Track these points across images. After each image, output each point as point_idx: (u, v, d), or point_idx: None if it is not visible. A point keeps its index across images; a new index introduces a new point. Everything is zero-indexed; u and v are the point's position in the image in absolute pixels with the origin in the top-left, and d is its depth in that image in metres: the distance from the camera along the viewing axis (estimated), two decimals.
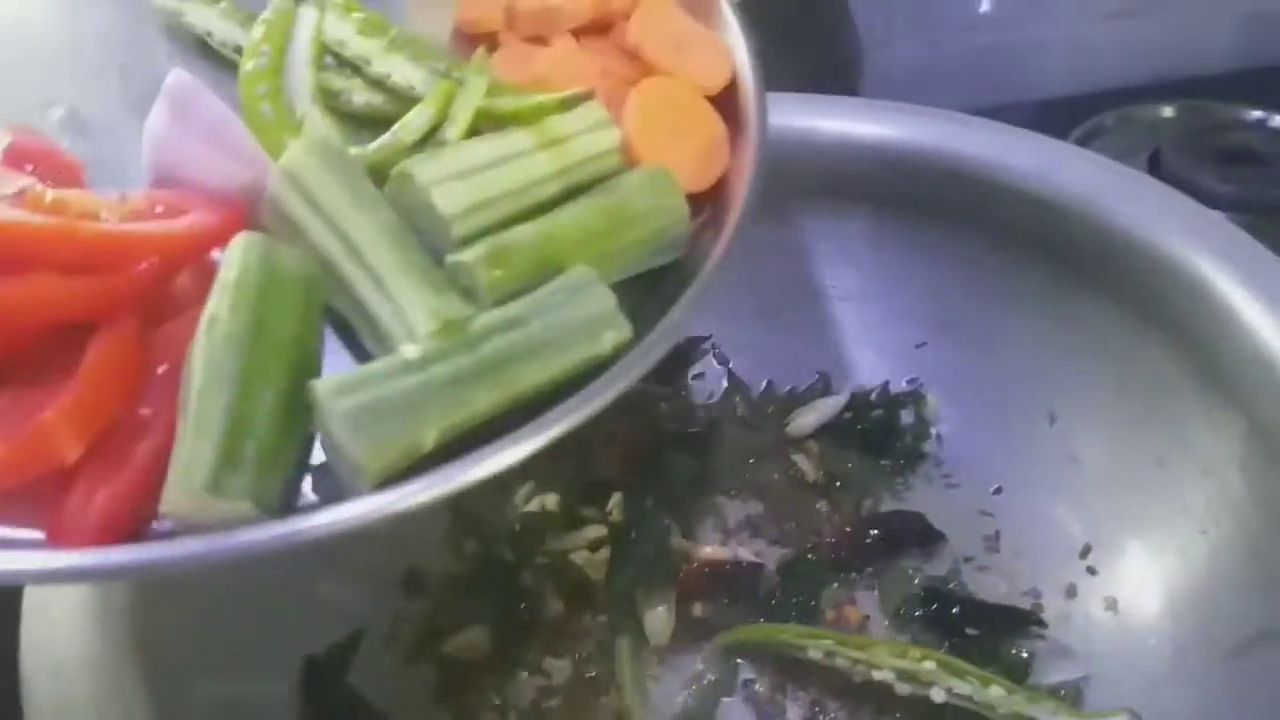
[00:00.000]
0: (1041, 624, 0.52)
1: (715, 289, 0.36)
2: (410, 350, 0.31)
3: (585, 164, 0.37)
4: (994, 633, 0.52)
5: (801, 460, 0.62)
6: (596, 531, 0.58)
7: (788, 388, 0.65)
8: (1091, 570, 0.54)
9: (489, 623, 0.54)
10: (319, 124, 0.38)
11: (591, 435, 0.61)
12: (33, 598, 0.43)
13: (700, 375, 0.66)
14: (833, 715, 0.51)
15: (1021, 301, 0.59)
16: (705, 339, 0.66)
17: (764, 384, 0.66)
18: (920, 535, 0.57)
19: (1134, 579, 0.53)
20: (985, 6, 1.01)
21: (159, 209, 0.34)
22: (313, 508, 0.31)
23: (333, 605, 0.55)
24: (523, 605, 0.55)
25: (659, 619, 0.54)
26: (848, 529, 0.57)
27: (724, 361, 0.66)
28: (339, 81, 0.41)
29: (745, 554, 0.56)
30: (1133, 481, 0.55)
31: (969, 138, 0.59)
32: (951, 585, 0.55)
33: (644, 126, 0.39)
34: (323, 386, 0.31)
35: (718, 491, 0.61)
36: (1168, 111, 0.95)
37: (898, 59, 0.91)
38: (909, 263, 0.63)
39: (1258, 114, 0.92)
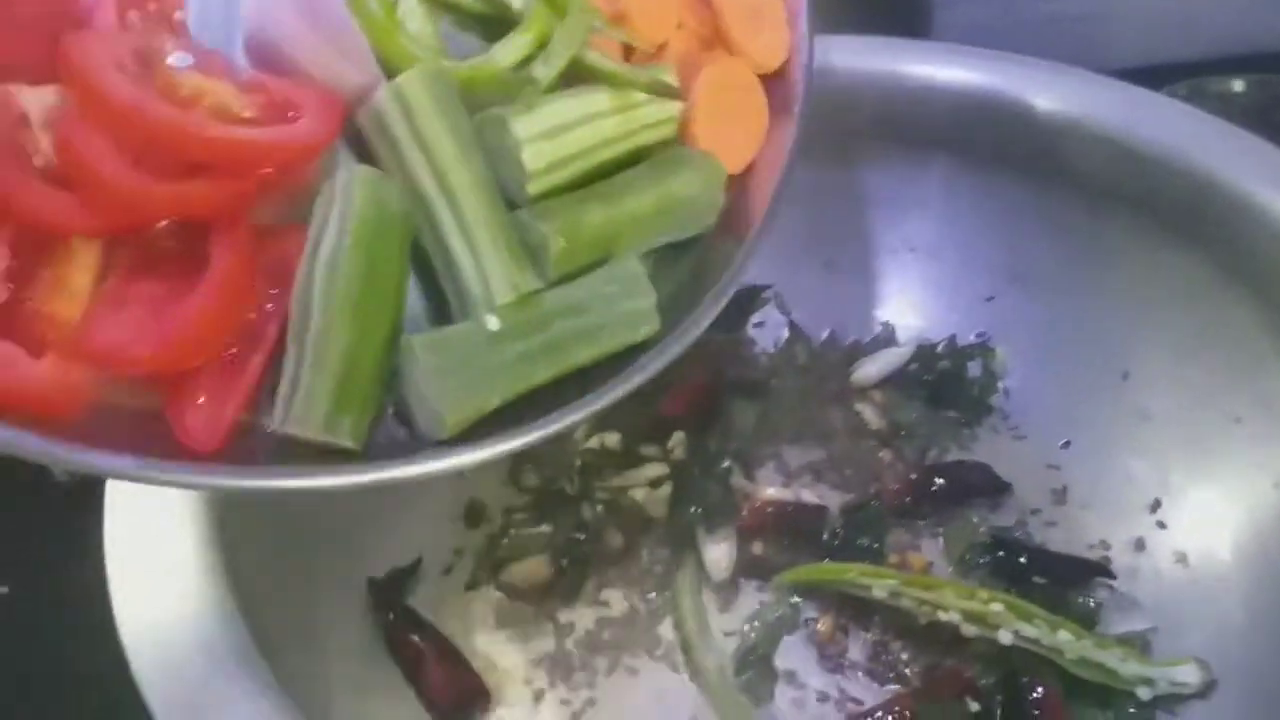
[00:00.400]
0: (1109, 574, 0.52)
1: (771, 240, 0.40)
2: (492, 323, 0.35)
3: (647, 130, 0.40)
4: (1061, 582, 0.51)
5: (865, 409, 0.61)
6: (657, 470, 0.57)
7: (850, 339, 0.65)
8: (1161, 524, 0.54)
9: (549, 552, 0.54)
10: (417, 17, 0.38)
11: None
12: (115, 499, 0.43)
13: (761, 324, 0.65)
14: (895, 655, 0.50)
15: (1098, 255, 0.58)
16: (766, 288, 0.65)
17: (826, 333, 0.65)
18: (986, 485, 0.56)
19: (1205, 533, 0.52)
20: None
21: (275, 106, 0.34)
22: (400, 452, 0.34)
23: (396, 534, 0.55)
24: (583, 537, 0.55)
25: (720, 555, 0.54)
26: (912, 476, 0.56)
27: (785, 311, 0.65)
28: None
29: (809, 496, 0.56)
30: (1206, 437, 0.54)
31: (1051, 84, 0.57)
32: (1018, 535, 0.54)
33: (708, 106, 0.41)
34: (419, 342, 0.34)
35: (779, 438, 0.60)
36: (1238, 85, 0.93)
37: (966, 18, 0.89)
38: (982, 213, 0.62)
39: None
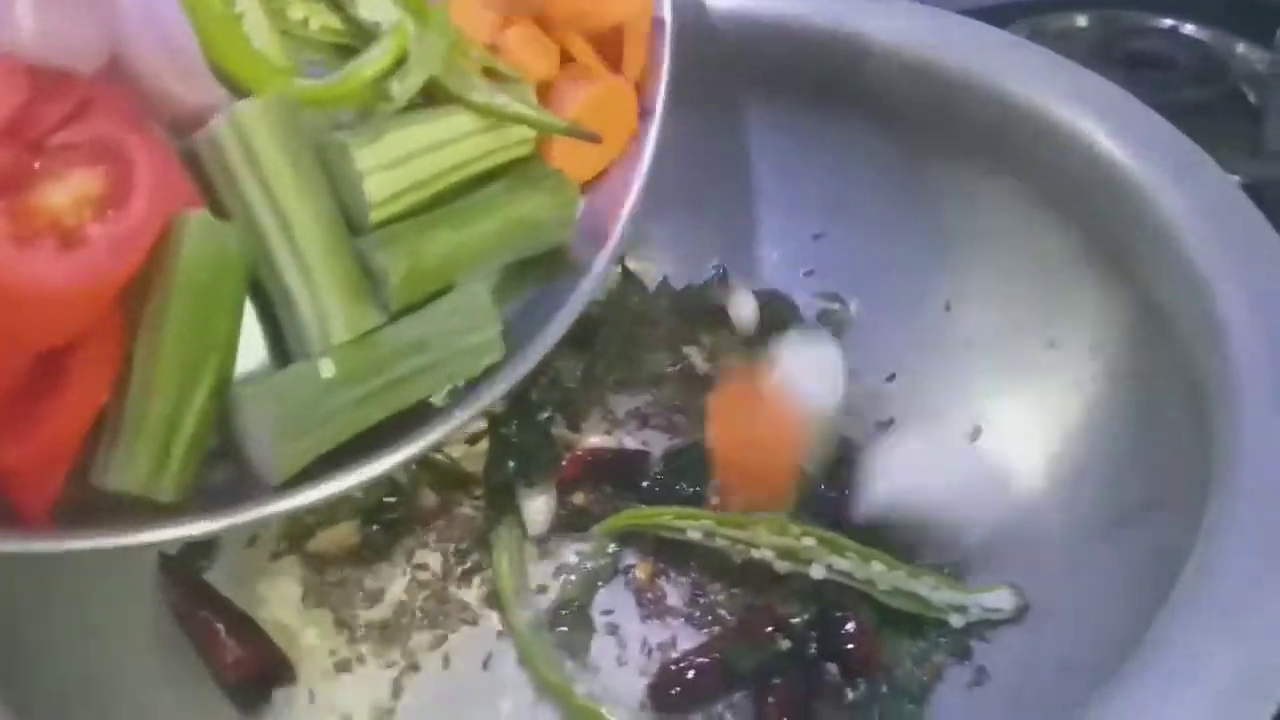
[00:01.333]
0: None
1: None
2: (326, 368, 0.34)
3: (503, 150, 0.39)
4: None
5: (693, 353, 0.59)
6: (473, 425, 0.55)
7: (684, 283, 0.63)
8: (981, 451, 0.53)
9: (358, 517, 0.52)
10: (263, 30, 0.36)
11: None
12: None
13: None
14: (713, 597, 0.49)
15: (918, 189, 0.57)
16: None
17: (660, 278, 0.63)
18: None
19: (1022, 458, 0.52)
20: None
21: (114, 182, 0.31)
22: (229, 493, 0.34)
23: None
24: (394, 500, 0.52)
25: (538, 509, 0.52)
26: None
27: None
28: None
29: (631, 443, 0.54)
30: (1024, 363, 0.53)
31: (868, 14, 0.56)
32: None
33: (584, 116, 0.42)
34: (248, 394, 0.33)
35: (605, 386, 0.58)
36: (1081, 20, 0.94)
37: None
38: (806, 150, 0.60)
39: (1169, 21, 0.91)
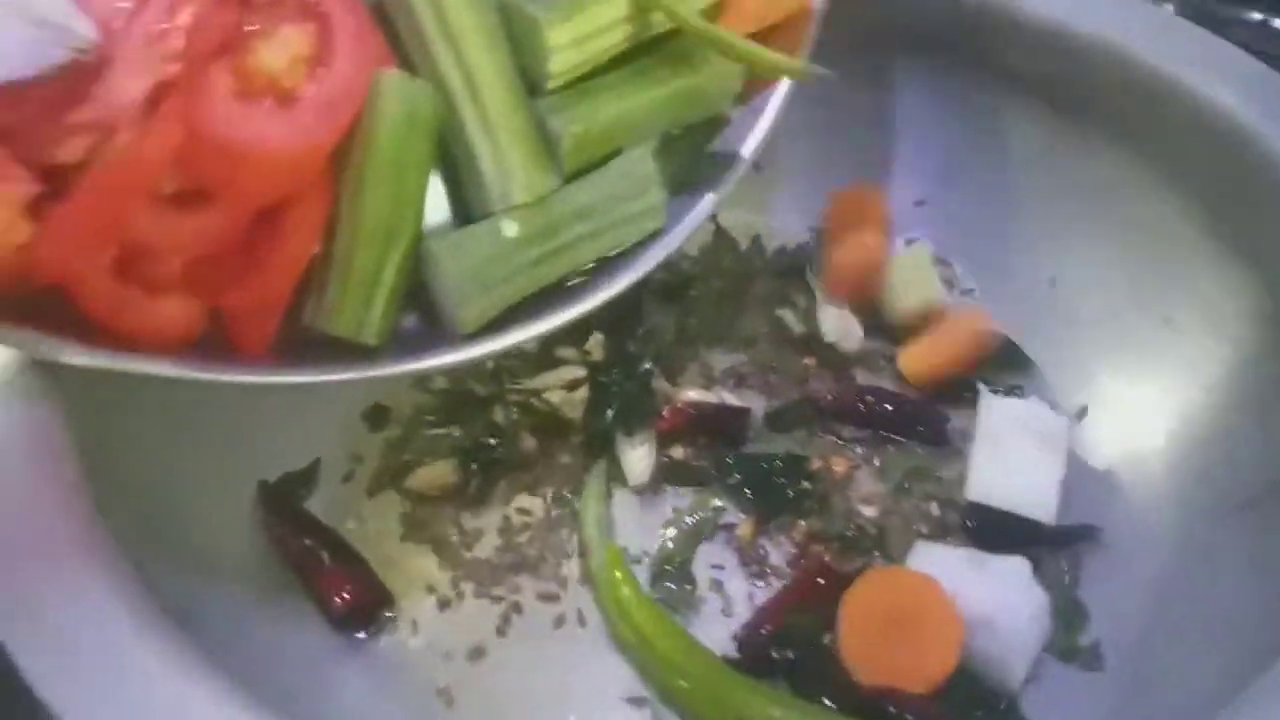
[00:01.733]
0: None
1: None
2: (509, 229, 0.36)
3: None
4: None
5: (787, 314, 0.59)
6: (573, 373, 0.54)
7: (776, 244, 0.62)
8: (1087, 432, 0.52)
9: (457, 457, 0.51)
10: None
11: None
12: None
13: None
14: (818, 557, 0.48)
15: (1028, 156, 0.57)
16: None
17: (752, 238, 0.62)
18: (928, 432, 0.53)
19: (1136, 440, 0.51)
20: None
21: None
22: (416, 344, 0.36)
23: (291, 437, 0.51)
24: (494, 440, 0.52)
25: (638, 459, 0.51)
26: (866, 397, 0.54)
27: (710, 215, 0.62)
28: None
29: (731, 400, 0.53)
30: (1137, 341, 0.53)
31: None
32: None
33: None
34: (441, 248, 0.35)
35: (700, 342, 0.58)
36: (1169, 8, 0.92)
37: None
38: (910, 117, 0.59)
39: (1258, 16, 0.90)
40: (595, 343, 0.55)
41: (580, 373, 0.54)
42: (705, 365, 0.57)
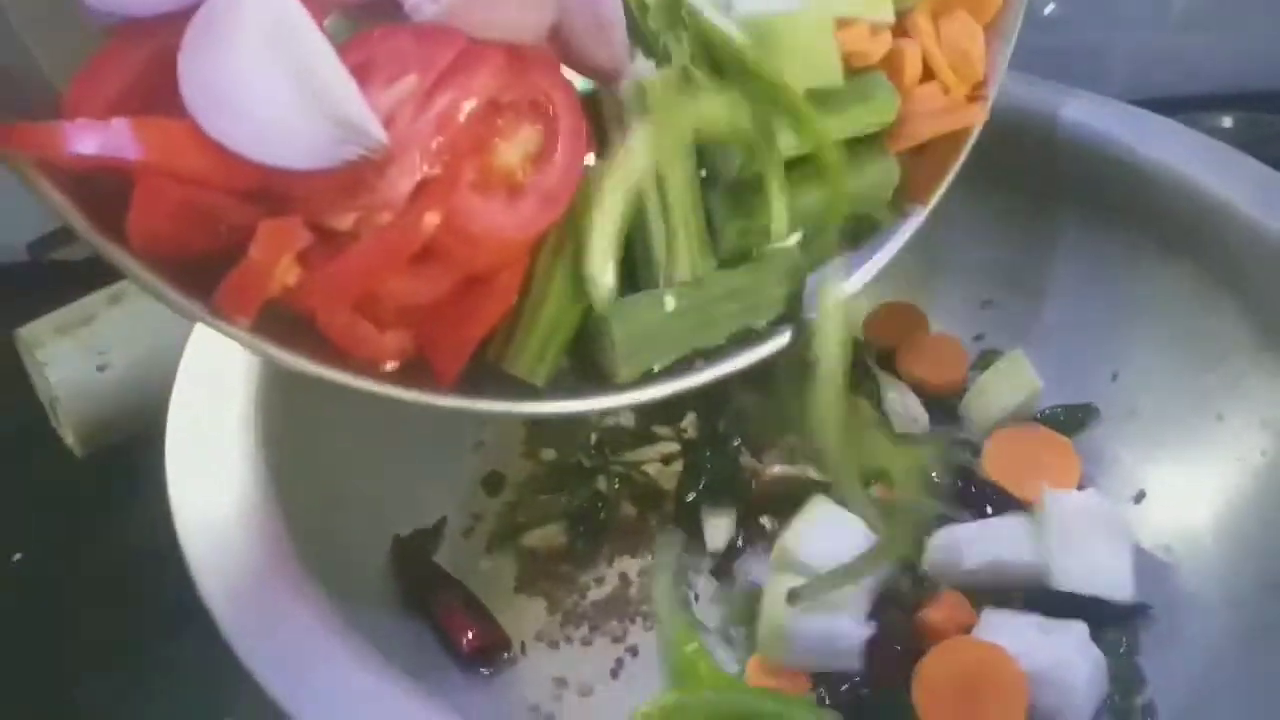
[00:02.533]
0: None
1: None
2: (670, 304, 0.42)
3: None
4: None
5: (861, 405, 0.64)
6: (668, 447, 0.60)
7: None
8: (1146, 516, 0.57)
9: (565, 520, 0.57)
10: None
11: None
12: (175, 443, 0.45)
13: None
14: None
15: (1091, 264, 0.62)
16: None
17: None
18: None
19: (1187, 523, 0.55)
20: (1051, 8, 1.03)
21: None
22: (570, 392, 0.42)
23: (418, 500, 0.57)
24: (599, 505, 0.58)
25: (719, 525, 0.56)
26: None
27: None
28: None
29: (813, 473, 0.59)
30: (1191, 433, 0.57)
31: (1052, 102, 0.61)
32: None
33: None
34: (612, 312, 0.41)
35: (783, 424, 0.63)
36: (1227, 121, 0.97)
37: None
38: (982, 223, 0.65)
39: None
40: (689, 421, 0.61)
41: (675, 447, 0.60)
42: (788, 444, 0.62)
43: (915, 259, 0.65)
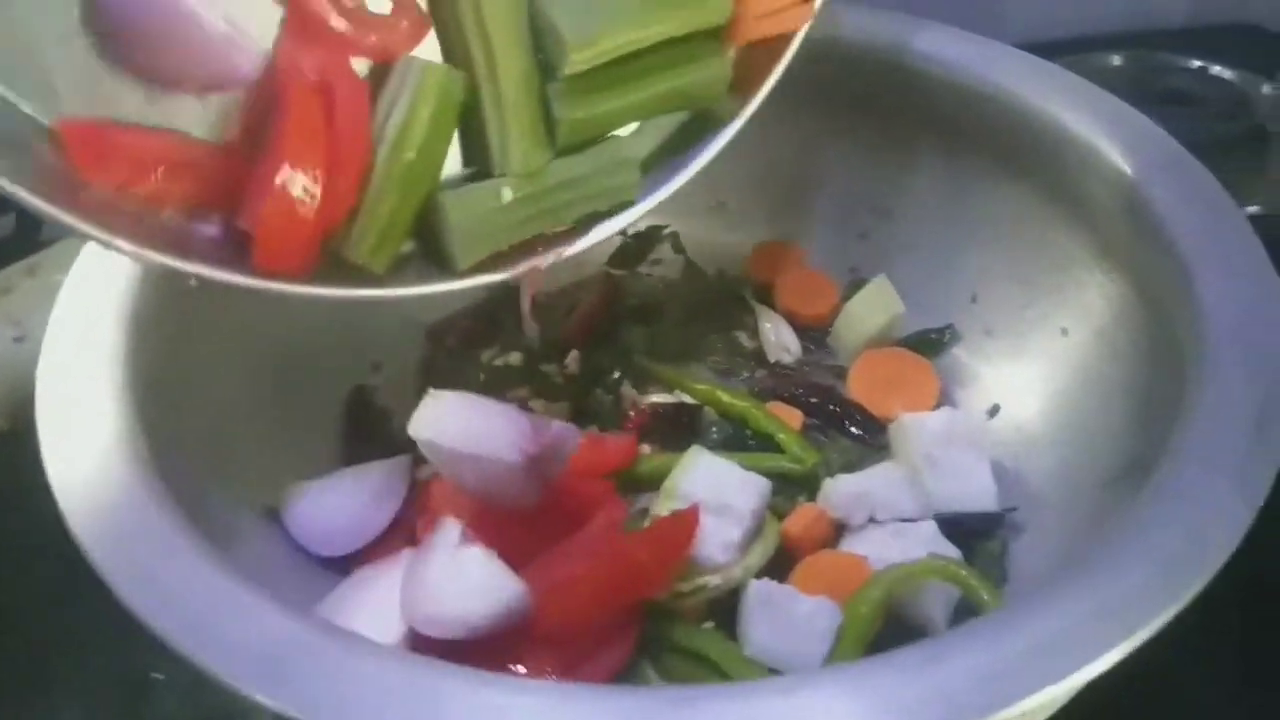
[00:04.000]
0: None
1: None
2: (506, 194, 0.44)
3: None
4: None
5: (740, 335, 0.67)
6: (555, 383, 0.63)
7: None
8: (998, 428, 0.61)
9: None
10: None
11: (556, 304, 0.67)
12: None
13: (659, 261, 0.72)
14: None
15: (952, 192, 0.65)
16: (664, 228, 0.71)
17: (714, 272, 0.71)
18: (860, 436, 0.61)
19: (1030, 432, 0.59)
20: None
21: None
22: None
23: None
24: None
25: None
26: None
27: (680, 250, 0.71)
28: None
29: (688, 399, 0.62)
30: (1038, 348, 0.61)
31: (923, 38, 0.64)
32: None
33: None
34: (449, 200, 0.43)
35: (667, 358, 0.66)
36: (1117, 60, 1.01)
37: None
38: (853, 159, 0.68)
39: (1199, 63, 0.98)
40: (573, 359, 0.64)
41: (560, 383, 0.63)
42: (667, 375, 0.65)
43: (794, 198, 0.71)
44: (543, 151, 0.45)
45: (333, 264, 0.42)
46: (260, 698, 0.33)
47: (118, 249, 0.38)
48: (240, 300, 0.41)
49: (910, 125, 0.65)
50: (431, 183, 0.44)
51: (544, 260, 0.46)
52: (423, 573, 0.48)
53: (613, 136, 0.47)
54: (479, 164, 0.45)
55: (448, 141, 0.44)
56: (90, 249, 0.51)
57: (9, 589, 0.58)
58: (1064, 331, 0.60)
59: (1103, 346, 0.57)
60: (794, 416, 0.60)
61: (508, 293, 0.58)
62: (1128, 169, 0.56)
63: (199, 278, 0.39)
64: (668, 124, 0.49)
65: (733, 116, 0.49)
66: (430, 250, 0.45)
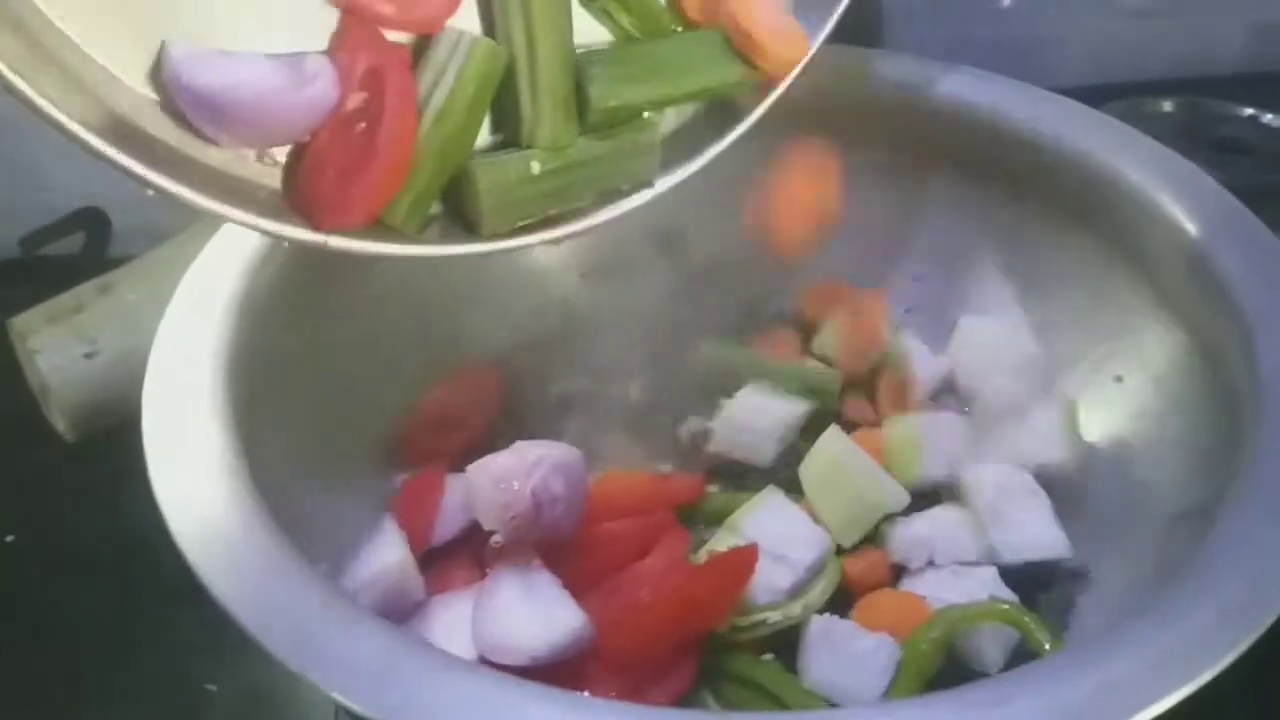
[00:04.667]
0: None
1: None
2: (535, 167, 0.45)
3: None
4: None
5: None
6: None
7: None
8: None
9: None
10: None
11: None
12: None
13: None
14: None
15: (1010, 242, 0.67)
16: None
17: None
18: None
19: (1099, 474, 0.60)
20: (1007, 1, 1.07)
21: None
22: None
23: None
24: None
25: None
26: None
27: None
28: None
29: None
30: (1096, 394, 0.62)
31: (981, 90, 0.66)
32: None
33: None
34: (479, 167, 0.44)
35: None
36: (1168, 106, 1.02)
37: (917, 37, 0.98)
38: (912, 202, 0.70)
39: (1251, 111, 0.99)
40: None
41: None
42: None
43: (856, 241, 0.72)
44: (572, 129, 0.46)
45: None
46: (362, 709, 0.35)
47: (231, 218, 0.40)
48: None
49: (972, 176, 0.67)
50: (466, 152, 0.45)
51: (563, 232, 0.47)
52: (493, 600, 0.50)
53: (638, 120, 0.48)
54: (506, 133, 0.46)
55: (484, 113, 0.45)
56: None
57: (73, 599, 0.61)
58: (1118, 379, 0.61)
59: (1160, 392, 0.58)
60: None
61: None
62: (1187, 223, 0.57)
63: (292, 240, 0.41)
64: (689, 111, 0.51)
65: (752, 108, 0.50)
66: (454, 213, 0.46)
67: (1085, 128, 0.63)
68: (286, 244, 0.42)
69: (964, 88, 0.66)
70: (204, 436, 0.47)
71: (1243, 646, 0.36)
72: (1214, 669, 0.36)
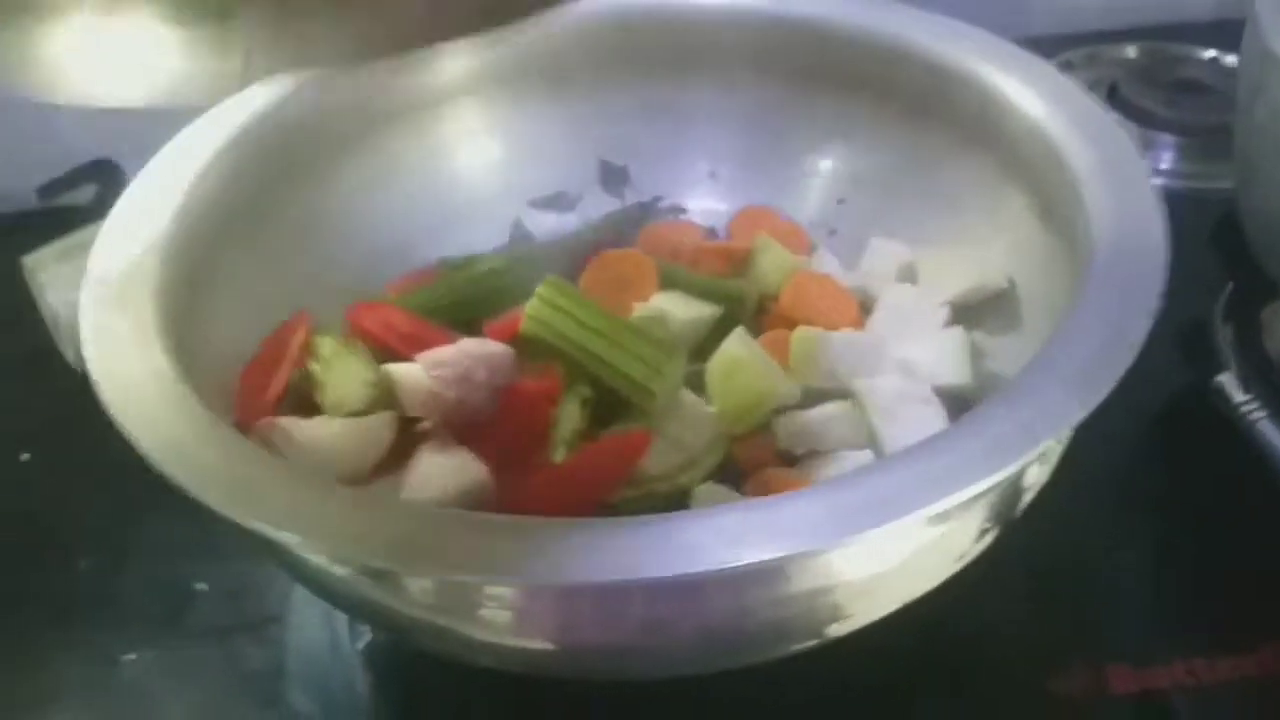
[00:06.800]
0: None
1: None
2: None
3: None
4: None
5: None
6: None
7: None
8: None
9: None
10: None
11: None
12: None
13: None
14: None
15: (915, 161, 0.72)
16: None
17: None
18: None
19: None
20: None
21: None
22: None
23: None
24: None
25: None
26: None
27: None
28: None
29: None
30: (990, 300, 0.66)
31: (884, 17, 0.71)
32: None
33: None
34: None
35: None
36: (1131, 51, 1.05)
37: None
38: (832, 132, 0.75)
39: (1211, 53, 1.01)
40: None
41: None
42: None
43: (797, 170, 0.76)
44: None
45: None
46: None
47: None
48: None
49: (876, 102, 0.72)
50: None
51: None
52: (416, 465, 0.56)
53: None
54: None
55: None
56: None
57: (73, 514, 0.67)
58: (1013, 283, 0.65)
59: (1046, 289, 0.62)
60: None
61: None
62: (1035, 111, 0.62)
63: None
64: None
65: None
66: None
67: (970, 46, 0.68)
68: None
69: (871, 18, 0.71)
70: (138, 315, 0.53)
71: (1000, 475, 0.41)
72: (975, 488, 0.41)
